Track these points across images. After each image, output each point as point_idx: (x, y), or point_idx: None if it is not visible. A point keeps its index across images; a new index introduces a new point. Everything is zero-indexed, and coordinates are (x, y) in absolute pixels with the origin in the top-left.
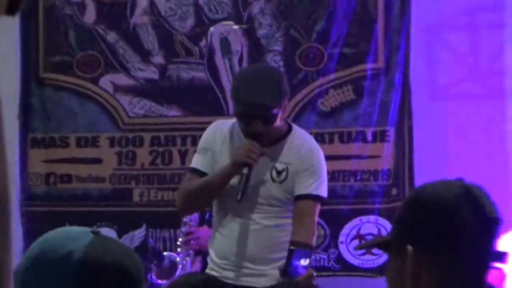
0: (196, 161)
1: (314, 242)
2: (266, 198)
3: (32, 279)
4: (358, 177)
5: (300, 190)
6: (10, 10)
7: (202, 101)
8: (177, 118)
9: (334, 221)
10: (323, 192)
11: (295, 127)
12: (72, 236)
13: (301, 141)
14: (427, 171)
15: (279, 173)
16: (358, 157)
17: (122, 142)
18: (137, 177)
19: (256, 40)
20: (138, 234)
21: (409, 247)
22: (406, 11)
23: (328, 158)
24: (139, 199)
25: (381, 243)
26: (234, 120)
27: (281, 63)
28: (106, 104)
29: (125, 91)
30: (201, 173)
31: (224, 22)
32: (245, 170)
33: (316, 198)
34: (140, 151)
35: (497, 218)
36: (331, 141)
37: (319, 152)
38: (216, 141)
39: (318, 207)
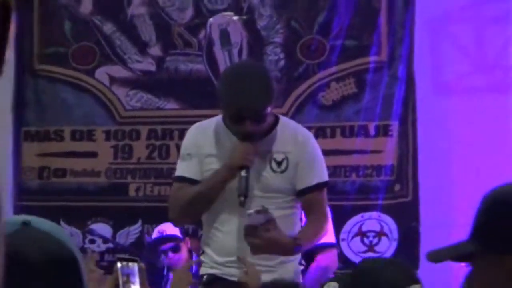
0: (182, 169)
1: (329, 224)
2: (266, 190)
3: None
4: (360, 172)
5: (306, 183)
6: None
7: (201, 94)
8: (175, 111)
9: (335, 217)
10: (325, 175)
11: (281, 116)
12: None
13: (293, 129)
14: (432, 166)
15: (279, 163)
16: (361, 151)
17: (118, 136)
18: (133, 171)
19: (256, 31)
20: (134, 230)
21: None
22: (410, 3)
23: (329, 152)
24: (135, 194)
25: (461, 255)
26: (214, 118)
27: (281, 55)
28: (102, 96)
29: (121, 83)
30: (190, 181)
31: (224, 13)
32: (243, 173)
33: (323, 185)
34: (136, 144)
35: None
36: (332, 136)
37: (313, 138)
38: (202, 145)
39: (325, 190)
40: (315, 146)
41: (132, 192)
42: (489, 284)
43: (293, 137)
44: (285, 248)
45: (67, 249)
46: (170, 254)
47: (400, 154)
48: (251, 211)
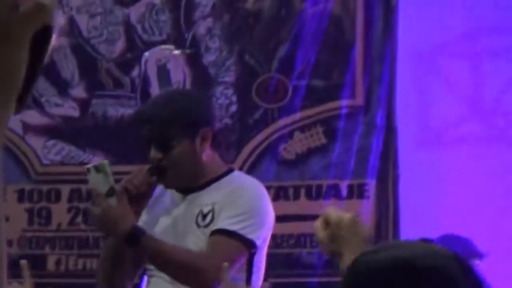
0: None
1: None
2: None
3: None
4: None
5: (215, 226)
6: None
7: (135, 145)
8: None
9: None
10: (248, 232)
11: (237, 172)
12: None
13: (238, 182)
14: (416, 233)
15: (204, 216)
16: None
17: (34, 196)
18: (52, 240)
19: (202, 68)
20: None
21: None
22: (390, 33)
23: (292, 218)
24: (55, 267)
25: None
26: None
27: (233, 98)
28: (14, 148)
29: (37, 132)
30: None
31: (163, 46)
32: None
33: (231, 234)
34: (56, 207)
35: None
36: (296, 197)
37: (255, 191)
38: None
39: (234, 248)
40: (252, 198)
41: (51, 266)
42: None
43: (228, 187)
44: (118, 229)
45: None
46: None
47: (378, 219)
48: (90, 165)
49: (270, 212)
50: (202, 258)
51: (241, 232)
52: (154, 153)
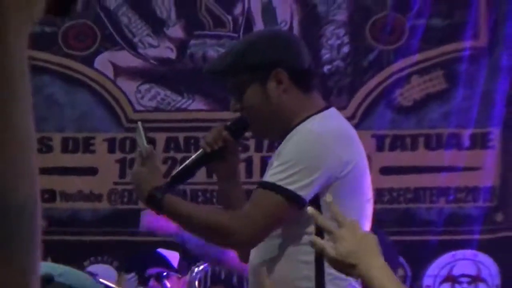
0: None
1: (248, 232)
2: None
3: None
4: (450, 197)
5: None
6: (58, 11)
7: None
8: (201, 112)
9: (417, 257)
10: (289, 183)
11: (311, 119)
12: None
13: (301, 126)
14: None
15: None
16: (451, 169)
17: (126, 146)
18: None
19: (311, 7)
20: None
21: None
22: None
23: (409, 170)
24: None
25: None
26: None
27: (345, 39)
28: (103, 92)
29: (129, 75)
30: None
31: None
32: (198, 153)
33: (268, 186)
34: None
35: None
36: (413, 147)
37: (307, 135)
38: None
39: (272, 202)
40: (295, 139)
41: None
42: None
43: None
44: (140, 192)
45: None
46: (152, 282)
47: (503, 172)
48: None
49: (327, 158)
50: (232, 218)
51: (281, 183)
52: (232, 104)
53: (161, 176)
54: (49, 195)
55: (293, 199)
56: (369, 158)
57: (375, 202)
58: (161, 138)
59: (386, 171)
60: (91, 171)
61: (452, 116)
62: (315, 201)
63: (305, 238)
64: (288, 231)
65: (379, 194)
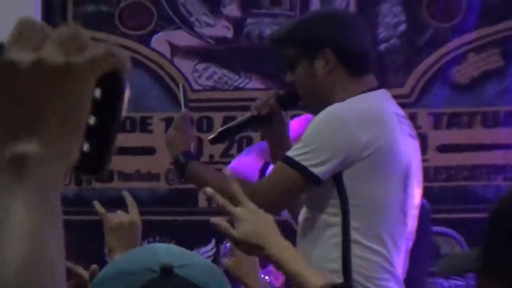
0: None
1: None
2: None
3: None
4: (508, 174)
5: None
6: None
7: None
8: (259, 91)
9: (474, 235)
10: (303, 159)
11: (346, 102)
12: (133, 269)
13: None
14: None
15: None
16: (507, 146)
17: None
18: None
19: None
20: (205, 253)
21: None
22: None
23: (466, 148)
24: (207, 204)
25: (469, 270)
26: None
27: (402, 17)
28: (160, 71)
29: (186, 55)
30: None
31: None
32: (247, 115)
33: (283, 159)
34: (208, 137)
35: None
36: (470, 125)
37: (323, 117)
38: None
39: (286, 174)
40: (315, 120)
41: (202, 202)
42: None
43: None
44: (170, 152)
45: None
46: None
47: None
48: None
49: (342, 139)
50: (248, 185)
51: (297, 158)
52: (288, 75)
53: (190, 141)
54: (107, 176)
55: (306, 175)
56: (425, 136)
57: (433, 180)
58: (218, 117)
59: (443, 149)
60: (149, 150)
61: (509, 93)
62: (338, 181)
63: (327, 220)
64: (314, 213)
65: (436, 172)
